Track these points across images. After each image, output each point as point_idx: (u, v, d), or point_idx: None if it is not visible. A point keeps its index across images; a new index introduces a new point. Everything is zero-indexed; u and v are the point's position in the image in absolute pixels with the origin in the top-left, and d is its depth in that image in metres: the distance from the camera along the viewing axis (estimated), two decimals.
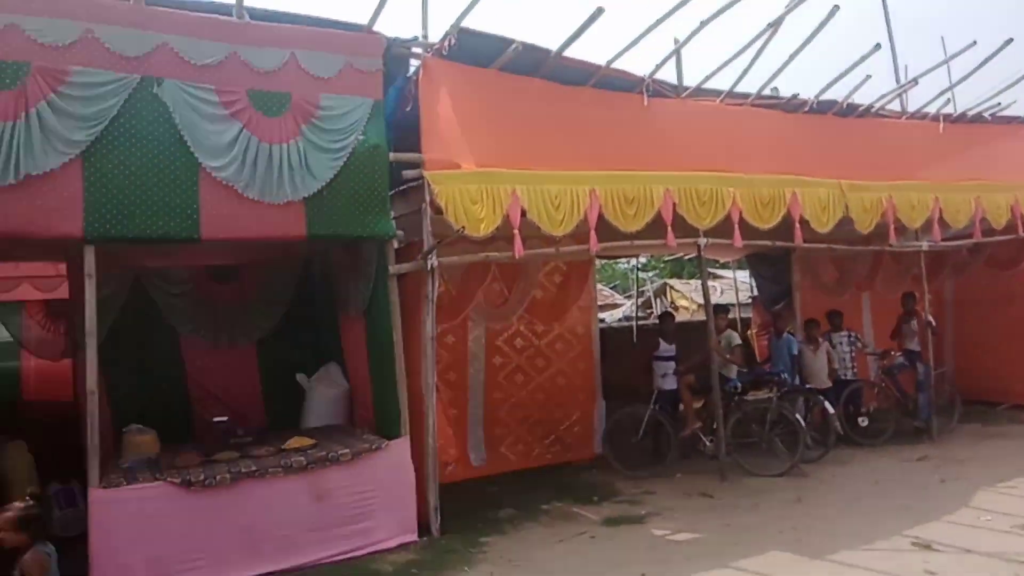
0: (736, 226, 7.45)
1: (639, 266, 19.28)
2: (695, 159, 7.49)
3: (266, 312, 7.90)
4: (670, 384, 8.33)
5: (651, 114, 7.48)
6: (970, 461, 7.94)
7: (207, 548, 5.38)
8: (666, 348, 8.62)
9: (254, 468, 5.63)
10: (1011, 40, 8.38)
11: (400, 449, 6.21)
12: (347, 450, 5.97)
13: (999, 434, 9.25)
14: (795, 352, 8.77)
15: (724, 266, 16.56)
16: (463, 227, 6.12)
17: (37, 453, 6.72)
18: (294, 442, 6.10)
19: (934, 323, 9.35)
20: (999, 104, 9.74)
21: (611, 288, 25.54)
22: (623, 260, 22.08)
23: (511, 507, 7.00)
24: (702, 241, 7.64)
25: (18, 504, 3.71)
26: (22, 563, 3.63)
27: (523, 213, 6.41)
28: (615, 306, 22.11)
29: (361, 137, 6.13)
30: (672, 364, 8.44)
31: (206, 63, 5.62)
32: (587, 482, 7.91)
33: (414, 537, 6.15)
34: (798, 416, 7.92)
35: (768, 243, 8.13)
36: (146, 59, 5.40)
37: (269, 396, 7.84)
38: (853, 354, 9.25)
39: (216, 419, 6.65)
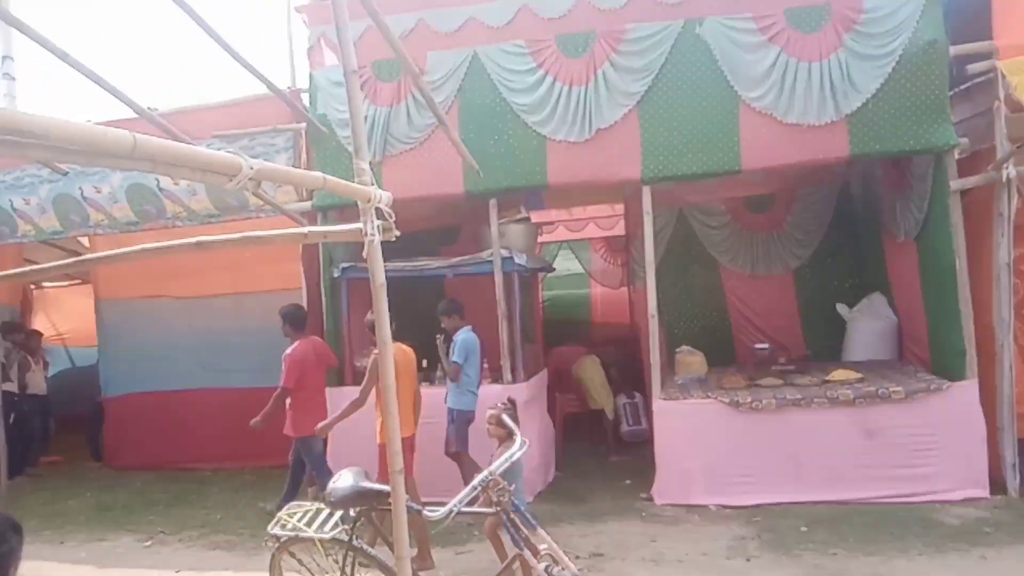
0: None
1: None
2: None
3: (802, 240, 7.75)
4: None
5: None
6: None
7: (754, 467, 5.67)
8: None
9: (799, 396, 5.65)
10: None
11: (965, 393, 5.42)
12: (899, 388, 5.50)
13: None
14: None
15: None
16: None
17: (605, 365, 8.05)
18: (838, 374, 5.90)
19: None
20: None
21: None
22: None
23: None
24: None
25: (500, 404, 4.35)
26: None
27: None
28: None
29: (912, 35, 5.41)
30: None
31: None
32: None
33: (985, 494, 5.38)
34: None
35: None
36: (686, 2, 5.73)
37: (807, 326, 7.73)
38: None
39: (757, 346, 6.90)
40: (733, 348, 7.76)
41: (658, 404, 5.93)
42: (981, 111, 5.47)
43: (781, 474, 5.61)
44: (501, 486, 3.30)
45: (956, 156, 5.52)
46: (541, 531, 3.60)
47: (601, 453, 7.24)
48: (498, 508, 3.33)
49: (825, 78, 5.50)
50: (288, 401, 5.76)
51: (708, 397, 5.85)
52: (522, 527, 3.40)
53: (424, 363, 5.97)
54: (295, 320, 5.92)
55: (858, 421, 5.52)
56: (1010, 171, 5.21)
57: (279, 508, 6.41)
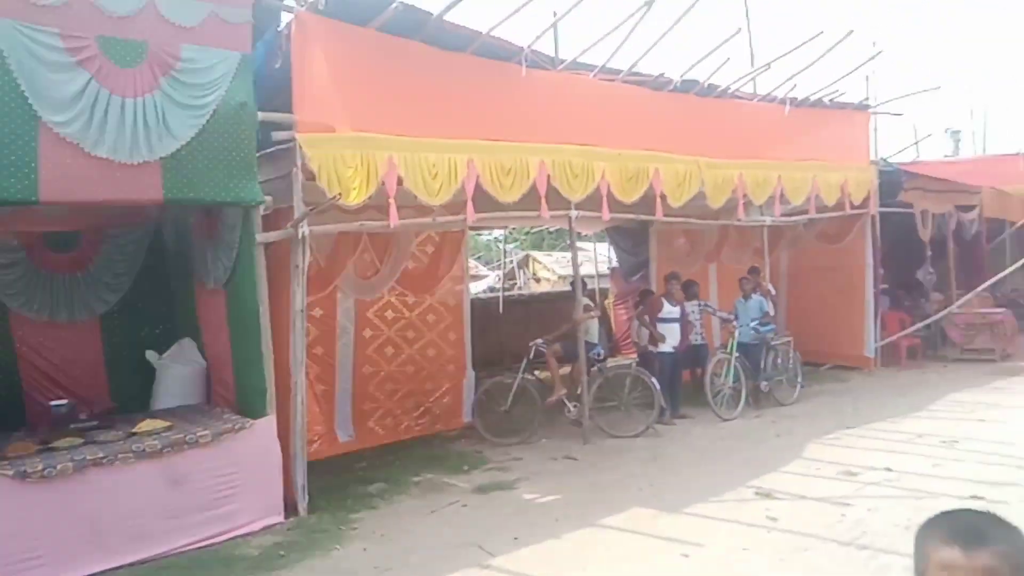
0: (604, 199, 7.51)
1: (503, 238, 19.37)
2: (568, 131, 7.40)
3: (111, 283, 6.82)
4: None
5: (529, 85, 7.12)
6: (801, 417, 8.49)
7: (46, 544, 4.70)
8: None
9: (101, 455, 4.88)
10: (851, 32, 8.52)
11: (266, 428, 5.61)
12: (207, 431, 5.32)
13: (823, 391, 9.88)
14: (767, 311, 9.20)
15: (585, 238, 15.21)
16: (338, 194, 5.53)
17: None
18: (145, 425, 5.37)
19: (774, 292, 9.90)
20: (837, 91, 9.97)
21: (475, 259, 23.36)
22: (486, 231, 20.83)
23: (381, 481, 6.58)
24: (574, 214, 7.61)
25: None
26: None
27: (400, 181, 5.96)
28: (479, 277, 21.64)
29: (225, 94, 5.32)
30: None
31: (48, 3, 4.83)
32: (457, 452, 7.65)
33: (280, 518, 5.62)
34: (654, 380, 7.92)
35: (632, 216, 8.28)
36: None
37: (114, 376, 6.84)
38: (702, 321, 9.46)
39: (54, 403, 5.92)
40: (24, 408, 6.50)
41: None
42: (283, 174, 5.70)
43: (78, 544, 4.78)
44: None
45: (262, 212, 5.60)
46: None
47: None
48: None
49: (140, 116, 5.00)
50: None
51: None
52: None
53: None
54: None
55: (164, 471, 5.13)
56: (304, 229, 5.57)
57: None
